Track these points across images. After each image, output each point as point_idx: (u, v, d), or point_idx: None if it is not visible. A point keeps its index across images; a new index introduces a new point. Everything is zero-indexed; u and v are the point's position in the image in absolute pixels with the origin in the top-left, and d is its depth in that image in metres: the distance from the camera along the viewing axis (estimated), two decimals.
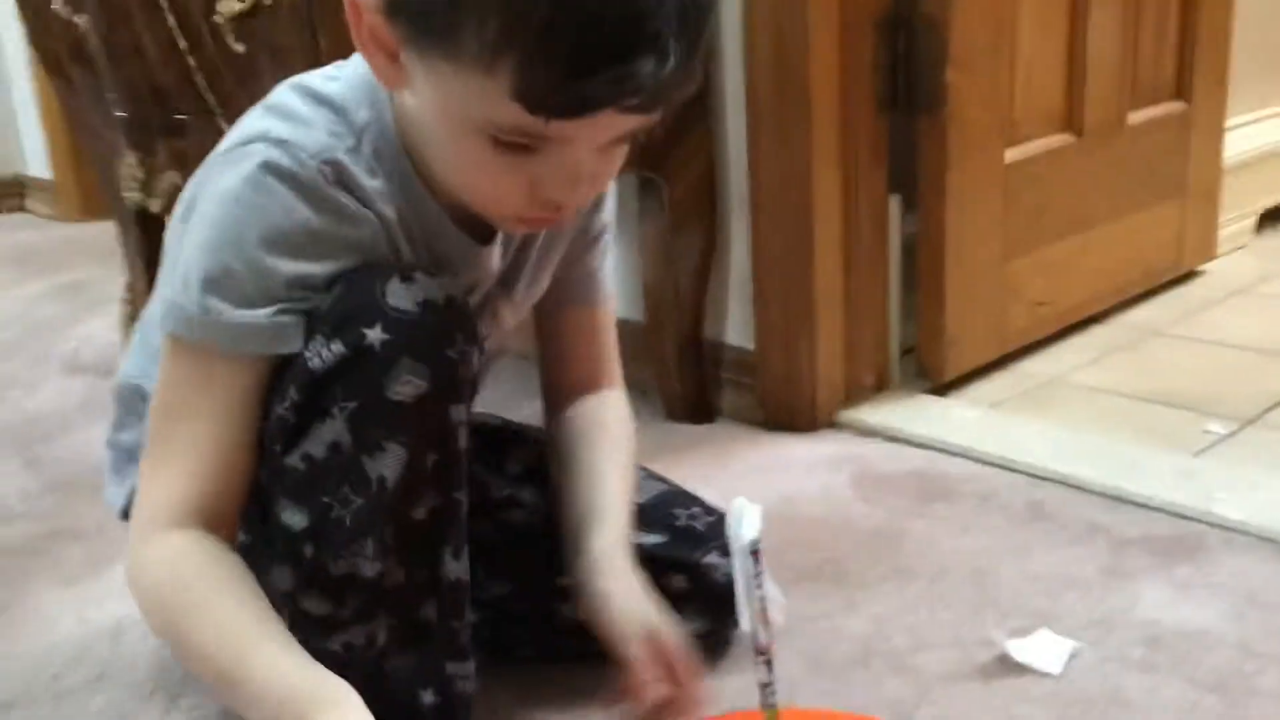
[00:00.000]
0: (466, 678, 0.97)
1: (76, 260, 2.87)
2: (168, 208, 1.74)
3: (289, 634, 0.86)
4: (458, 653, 0.97)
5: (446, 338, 0.89)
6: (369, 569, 0.91)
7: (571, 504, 1.06)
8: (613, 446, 1.10)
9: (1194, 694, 1.05)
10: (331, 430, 0.87)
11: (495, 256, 1.01)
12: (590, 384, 1.13)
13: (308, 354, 0.87)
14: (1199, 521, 1.35)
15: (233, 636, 0.85)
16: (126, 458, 1.06)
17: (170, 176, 1.68)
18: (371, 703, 0.95)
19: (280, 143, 0.87)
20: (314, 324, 0.88)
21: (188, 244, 0.89)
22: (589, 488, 1.06)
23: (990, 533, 1.36)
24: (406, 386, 0.87)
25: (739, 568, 0.72)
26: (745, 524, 0.72)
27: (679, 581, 1.09)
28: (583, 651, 1.12)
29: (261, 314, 0.87)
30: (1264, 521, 1.32)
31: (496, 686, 1.06)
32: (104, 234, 2.17)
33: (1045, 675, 1.09)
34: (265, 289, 0.87)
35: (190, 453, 0.88)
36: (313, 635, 0.93)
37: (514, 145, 0.83)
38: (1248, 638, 1.13)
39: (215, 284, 0.86)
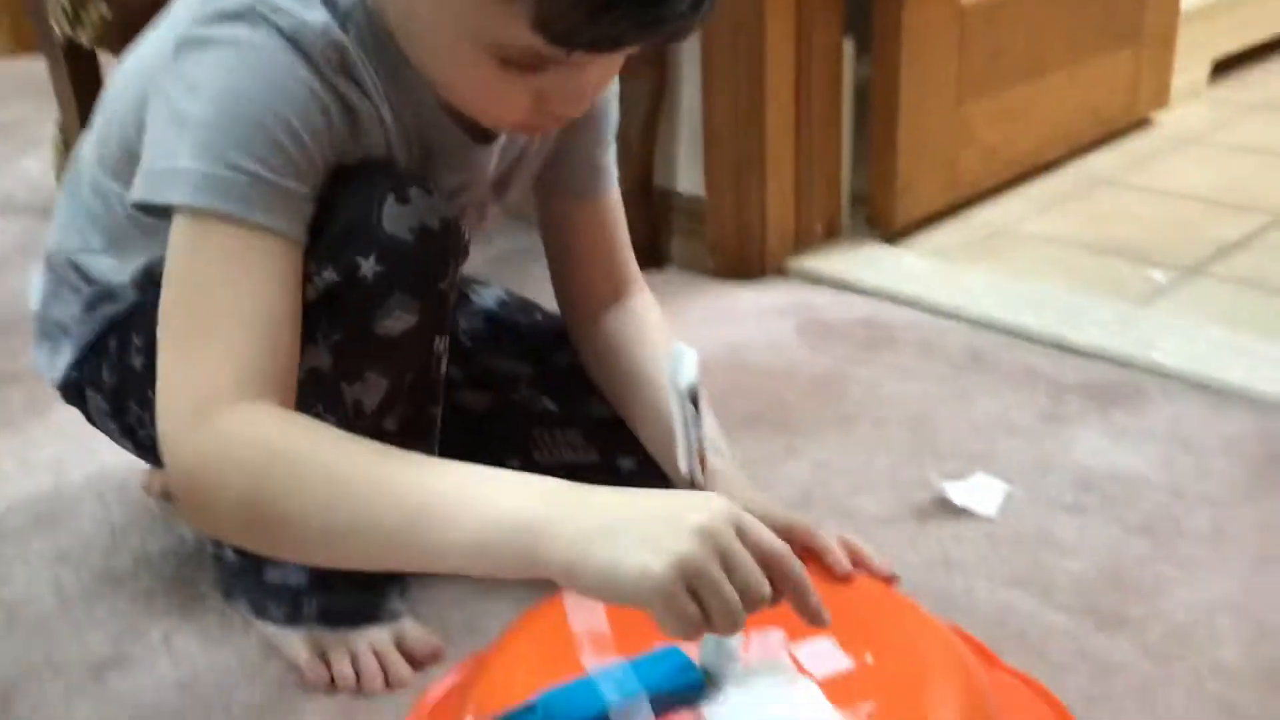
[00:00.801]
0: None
1: (8, 98, 2.77)
2: (97, 40, 1.68)
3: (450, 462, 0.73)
4: None
5: (439, 269, 0.85)
6: None
7: (650, 428, 1.00)
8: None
9: (1123, 535, 1.08)
10: (312, 356, 0.83)
11: (493, 157, 0.94)
12: (615, 292, 1.07)
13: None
14: (1137, 369, 1.37)
15: (381, 475, 0.71)
16: (59, 332, 1.01)
17: (98, 7, 1.61)
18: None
19: (285, 13, 0.77)
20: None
21: (193, 114, 0.76)
22: (661, 407, 0.96)
23: (931, 380, 1.38)
24: (396, 322, 0.84)
25: (677, 412, 0.72)
26: (683, 369, 0.72)
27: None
28: None
29: (292, 185, 0.77)
30: (1200, 369, 1.34)
31: (447, 581, 1.06)
32: (37, 70, 2.09)
33: (980, 517, 1.11)
34: (291, 162, 0.77)
35: (238, 329, 0.75)
36: None
37: (522, 65, 0.76)
38: (1178, 482, 1.16)
39: (246, 147, 0.75)
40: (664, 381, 1.03)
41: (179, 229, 0.77)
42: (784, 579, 0.67)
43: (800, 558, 0.87)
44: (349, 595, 0.97)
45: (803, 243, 1.70)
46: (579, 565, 0.64)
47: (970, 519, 1.11)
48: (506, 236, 1.67)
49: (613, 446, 1.07)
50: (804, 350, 1.46)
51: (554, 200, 1.05)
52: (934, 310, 1.53)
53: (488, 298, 1.14)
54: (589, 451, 1.09)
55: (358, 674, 0.95)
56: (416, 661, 0.96)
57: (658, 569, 0.63)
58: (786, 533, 0.90)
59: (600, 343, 1.06)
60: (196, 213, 0.76)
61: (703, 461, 0.74)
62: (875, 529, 1.10)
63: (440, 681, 0.92)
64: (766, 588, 0.65)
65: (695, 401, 0.72)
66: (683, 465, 0.75)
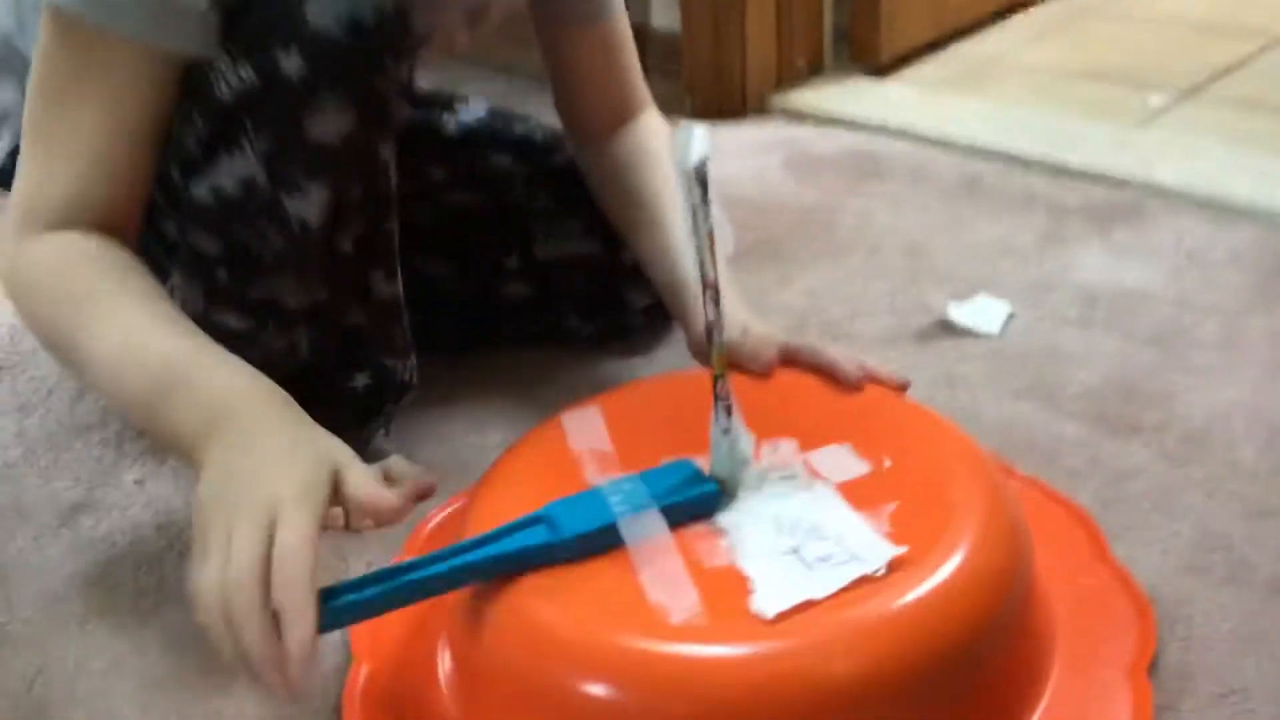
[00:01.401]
0: (406, 369, 0.92)
1: None
2: None
3: (197, 328, 0.75)
4: (397, 352, 0.91)
5: (375, 66, 0.77)
6: (291, 300, 0.84)
7: (648, 248, 0.96)
8: (670, 174, 0.98)
9: (1132, 346, 1.04)
10: (244, 166, 0.78)
11: None
12: (621, 113, 1.01)
13: (214, 76, 0.75)
14: (1139, 188, 1.32)
15: (138, 331, 0.72)
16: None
17: None
18: (295, 389, 0.91)
19: None
20: (223, 38, 0.75)
21: None
22: (665, 230, 0.93)
23: (926, 209, 1.32)
24: (330, 126, 0.76)
25: (684, 196, 0.66)
26: (691, 147, 0.65)
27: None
28: (525, 335, 1.09)
29: None
30: (1203, 186, 1.30)
31: (429, 370, 1.02)
32: None
33: (983, 336, 1.07)
34: None
35: (81, 146, 0.75)
36: (225, 345, 0.87)
37: None
38: (1186, 294, 1.12)
39: None
40: (662, 202, 0.99)
41: (44, 28, 0.74)
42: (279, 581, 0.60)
43: (808, 372, 0.85)
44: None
45: (785, 79, 1.64)
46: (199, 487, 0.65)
47: (973, 338, 1.07)
48: (475, 82, 1.59)
49: (616, 238, 1.02)
50: (791, 184, 1.40)
51: (553, 28, 0.99)
52: (924, 140, 1.48)
53: (475, 108, 1.08)
54: (591, 242, 1.04)
55: (346, 514, 0.90)
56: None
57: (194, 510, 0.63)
58: (792, 353, 0.86)
59: (604, 164, 1.01)
60: (59, 12, 0.72)
61: (713, 250, 0.69)
62: (875, 351, 1.05)
63: (435, 513, 0.88)
64: (248, 580, 0.60)
65: (704, 184, 0.66)
66: (690, 258, 0.69)
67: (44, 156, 0.76)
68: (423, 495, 0.91)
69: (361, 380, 0.91)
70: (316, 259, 0.82)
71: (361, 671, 0.74)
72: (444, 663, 0.73)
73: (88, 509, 0.92)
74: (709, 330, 0.71)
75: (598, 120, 1.01)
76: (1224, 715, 0.69)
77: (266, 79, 0.75)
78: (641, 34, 1.64)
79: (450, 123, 1.06)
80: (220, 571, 0.60)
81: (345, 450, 0.67)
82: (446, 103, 1.06)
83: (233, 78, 0.75)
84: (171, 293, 0.90)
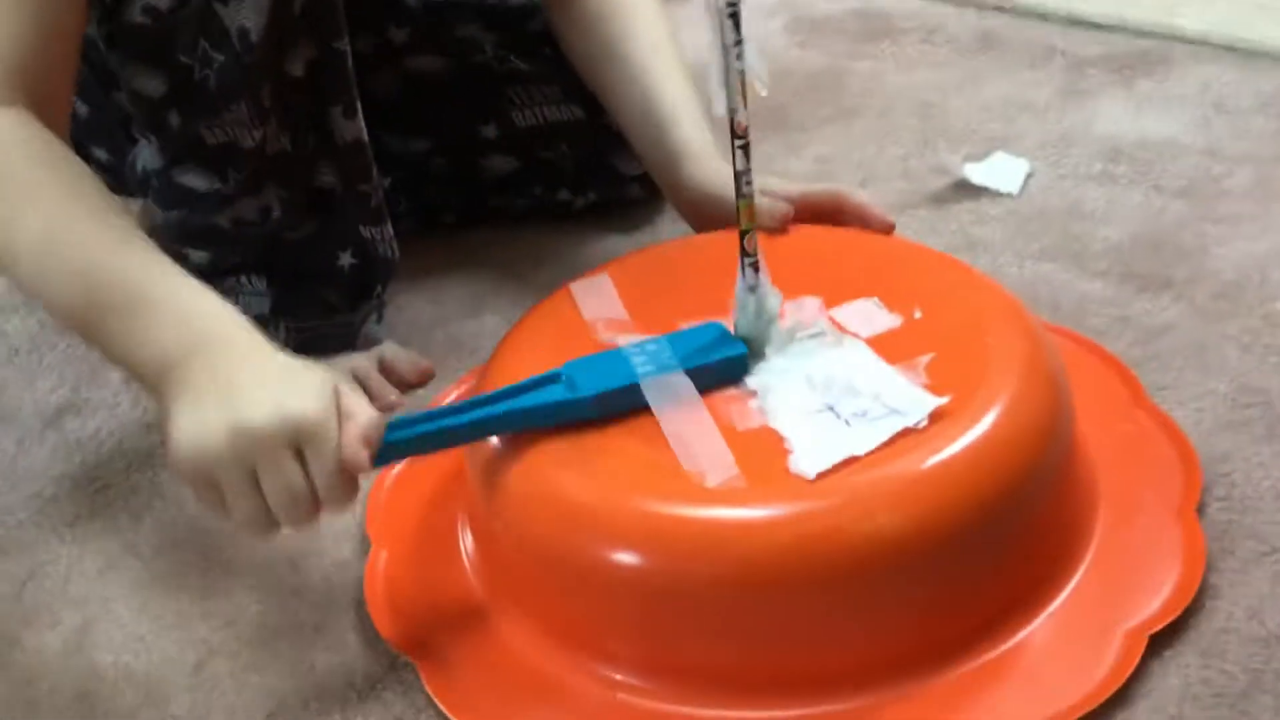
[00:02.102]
0: (385, 241, 0.89)
1: None
2: None
3: (147, 240, 0.71)
4: (371, 216, 0.88)
5: None
6: (248, 138, 0.80)
7: (628, 107, 0.91)
8: (648, 26, 0.92)
9: (1159, 200, 0.99)
10: None
11: None
12: None
13: None
14: (1161, 36, 1.25)
15: (79, 239, 0.69)
16: None
17: None
18: (280, 271, 0.88)
19: None
20: None
21: None
22: (644, 86, 0.89)
23: (938, 66, 1.26)
24: None
25: (713, 33, 0.61)
26: None
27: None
28: (511, 211, 1.04)
29: None
30: (1229, 30, 1.23)
31: (421, 253, 0.98)
32: None
33: (1002, 195, 1.02)
34: None
35: (6, 9, 0.72)
36: (195, 210, 0.84)
37: None
38: (1215, 143, 1.06)
39: None
40: (643, 65, 0.94)
41: None
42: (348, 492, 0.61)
43: (835, 221, 0.80)
44: (318, 321, 0.89)
45: None
46: (168, 414, 0.62)
47: (991, 198, 1.02)
48: None
49: (599, 103, 0.96)
50: (794, 50, 1.34)
51: None
52: None
53: None
54: (573, 108, 0.99)
55: None
56: (404, 384, 0.88)
57: (189, 456, 0.60)
58: (815, 201, 0.82)
59: (572, 23, 0.94)
60: None
61: (744, 94, 0.64)
62: (892, 214, 1.00)
63: (441, 396, 0.84)
64: (300, 509, 0.60)
65: (736, 19, 0.61)
66: (717, 105, 0.64)
67: None
68: (421, 380, 0.88)
69: (346, 260, 0.88)
70: (266, 81, 0.79)
71: (381, 557, 0.71)
72: (465, 541, 0.70)
73: (74, 410, 0.89)
74: (737, 180, 0.67)
75: None
76: (1266, 574, 0.65)
77: None
78: None
79: None
80: (257, 509, 0.60)
81: (334, 373, 0.64)
82: None
83: None
84: (135, 165, 0.86)
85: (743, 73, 0.62)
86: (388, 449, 0.62)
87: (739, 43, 0.61)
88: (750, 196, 0.66)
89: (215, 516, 0.61)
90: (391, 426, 0.63)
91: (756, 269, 0.67)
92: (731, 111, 0.63)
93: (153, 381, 0.65)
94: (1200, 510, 0.68)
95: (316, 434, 0.59)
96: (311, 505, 0.60)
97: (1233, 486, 0.71)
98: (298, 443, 0.59)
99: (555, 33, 0.97)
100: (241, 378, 0.61)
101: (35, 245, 0.68)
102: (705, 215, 0.84)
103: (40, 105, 0.73)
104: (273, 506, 0.60)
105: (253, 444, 0.59)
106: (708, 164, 0.85)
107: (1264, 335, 0.83)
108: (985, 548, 0.59)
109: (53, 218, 0.69)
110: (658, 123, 0.88)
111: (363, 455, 0.60)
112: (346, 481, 0.60)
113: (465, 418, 0.64)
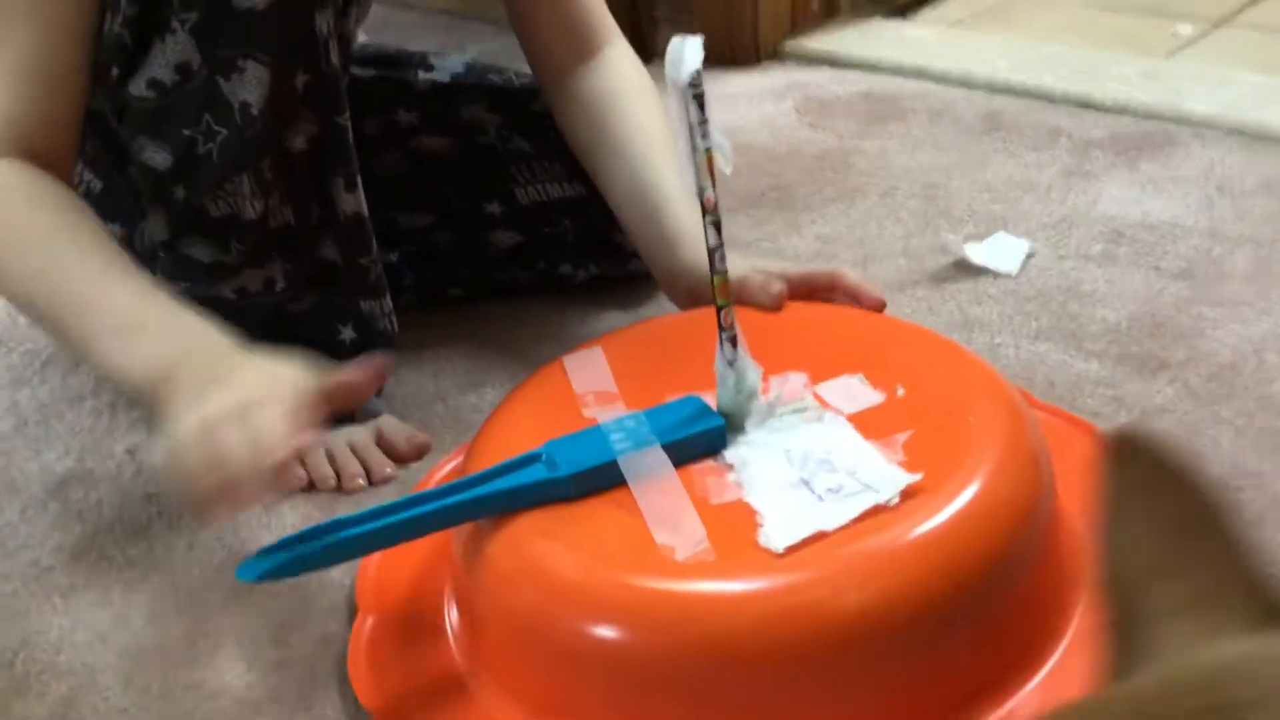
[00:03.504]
0: (384, 315, 0.90)
1: None
2: None
3: (141, 274, 0.77)
4: (371, 290, 0.90)
5: None
6: (250, 209, 0.82)
7: (621, 191, 0.92)
8: (643, 111, 0.93)
9: (1159, 282, 0.99)
10: (176, 49, 0.77)
11: None
12: (584, 46, 0.96)
13: None
14: (1167, 119, 1.26)
15: (74, 276, 0.74)
16: None
17: None
18: (281, 344, 0.89)
19: None
20: None
21: None
22: (635, 170, 0.90)
23: (944, 148, 1.27)
24: None
25: (678, 113, 0.63)
26: (685, 60, 0.62)
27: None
28: (515, 285, 1.06)
29: None
30: (1234, 114, 1.24)
31: (424, 328, 0.99)
32: None
33: (1002, 275, 1.02)
34: None
35: (17, 59, 0.75)
36: (199, 281, 0.86)
37: None
38: (1216, 225, 1.06)
39: None
40: (636, 149, 0.95)
41: None
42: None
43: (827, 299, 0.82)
44: None
45: (799, 23, 1.58)
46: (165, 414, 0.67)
47: (991, 278, 1.02)
48: (477, 42, 1.55)
49: None
50: (803, 129, 1.35)
51: None
52: (943, 79, 1.42)
53: (451, 63, 1.04)
54: (575, 185, 1.00)
55: (337, 474, 0.88)
56: (400, 456, 0.89)
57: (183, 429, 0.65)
58: (808, 281, 0.83)
59: (569, 107, 0.96)
60: None
61: (711, 172, 0.65)
62: (891, 293, 1.00)
63: (437, 469, 0.85)
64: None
65: (700, 99, 0.62)
66: (685, 179, 0.65)
67: None
68: (417, 454, 0.89)
69: (347, 334, 0.89)
70: (267, 154, 0.81)
71: (366, 623, 0.72)
72: (450, 612, 0.71)
73: (78, 480, 0.90)
74: (711, 256, 0.68)
75: (558, 54, 0.96)
76: None
77: None
78: None
79: (423, 79, 1.03)
80: (197, 420, 0.64)
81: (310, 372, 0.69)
82: (420, 59, 1.03)
83: None
84: (142, 237, 0.88)
85: (709, 151, 0.63)
86: (369, 539, 0.63)
87: (704, 122, 0.62)
88: (724, 273, 0.67)
89: (206, 508, 0.65)
90: (371, 514, 0.64)
91: (735, 344, 0.68)
92: (700, 189, 0.64)
93: (147, 391, 0.70)
94: None
95: (261, 399, 0.65)
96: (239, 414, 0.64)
97: None
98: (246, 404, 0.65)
99: (554, 115, 0.99)
100: (237, 369, 0.69)
101: (31, 277, 0.74)
102: (698, 298, 0.85)
103: (42, 159, 0.76)
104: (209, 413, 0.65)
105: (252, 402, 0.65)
106: (701, 248, 0.86)
107: (1258, 418, 0.82)
108: (956, 625, 0.59)
109: (50, 254, 0.74)
110: (650, 207, 0.89)
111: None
112: (274, 420, 0.64)
113: (447, 502, 0.64)
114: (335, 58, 0.82)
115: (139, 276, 0.75)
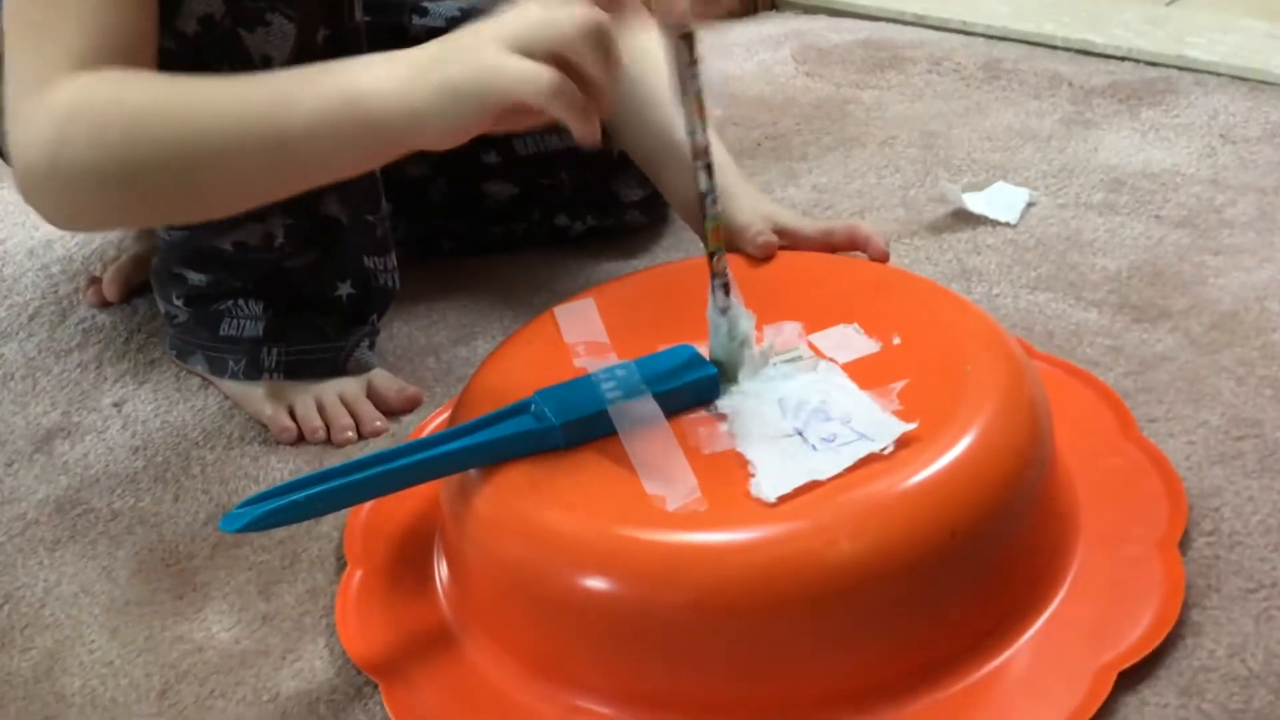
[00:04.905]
0: (387, 271, 0.89)
1: None
2: None
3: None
4: (376, 246, 0.88)
5: None
6: None
7: (650, 142, 0.90)
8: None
9: (1160, 230, 0.98)
10: (203, 1, 0.75)
11: None
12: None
13: None
14: (1169, 66, 1.24)
15: (230, 93, 0.68)
16: None
17: None
18: (277, 297, 0.88)
19: None
20: None
21: None
22: (666, 123, 0.87)
23: (943, 96, 1.25)
24: None
25: (669, 56, 0.61)
26: (674, 1, 0.60)
27: None
28: (510, 237, 1.04)
29: None
30: (1238, 60, 1.22)
31: (416, 281, 0.98)
32: None
33: (1001, 224, 1.01)
34: None
35: (82, 7, 0.69)
36: (198, 233, 0.85)
37: None
38: (1220, 173, 1.05)
39: None
40: (648, 71, 0.93)
41: None
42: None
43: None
44: (311, 344, 0.89)
45: None
46: (416, 94, 0.62)
47: (990, 227, 1.01)
48: None
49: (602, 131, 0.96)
50: (800, 78, 1.33)
51: None
52: (943, 27, 1.40)
53: (447, 6, 1.01)
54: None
55: (327, 426, 0.87)
56: (391, 410, 0.88)
57: (491, 57, 0.60)
58: (824, 235, 0.82)
59: None
60: None
61: (702, 115, 0.63)
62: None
63: (428, 421, 0.84)
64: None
65: (690, 42, 0.61)
66: (679, 125, 0.64)
67: (51, 19, 0.69)
68: (408, 407, 0.88)
69: (345, 289, 0.88)
70: None
71: (355, 577, 0.71)
72: (439, 564, 0.70)
73: (64, 433, 0.89)
74: (701, 201, 0.66)
75: None
76: (1252, 611, 0.63)
77: None
78: None
79: (418, 24, 1.00)
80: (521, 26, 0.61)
81: None
82: (414, 4, 1.01)
83: None
84: None
85: (699, 94, 0.62)
86: (355, 489, 0.62)
87: (694, 64, 0.61)
88: (717, 217, 0.66)
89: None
90: (358, 465, 0.63)
91: (727, 290, 0.66)
92: (690, 132, 0.63)
93: (355, 110, 0.64)
94: (1185, 545, 0.67)
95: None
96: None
97: (1220, 521, 0.69)
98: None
99: None
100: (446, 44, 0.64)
101: (177, 128, 0.67)
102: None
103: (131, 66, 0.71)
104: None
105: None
106: (734, 199, 0.84)
107: (1259, 367, 0.81)
108: (951, 575, 0.58)
109: (190, 98, 0.68)
110: (656, 128, 0.87)
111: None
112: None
113: (434, 452, 0.63)
114: (358, 13, 0.81)
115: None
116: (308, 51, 0.79)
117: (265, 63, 0.78)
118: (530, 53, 0.60)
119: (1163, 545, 0.65)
